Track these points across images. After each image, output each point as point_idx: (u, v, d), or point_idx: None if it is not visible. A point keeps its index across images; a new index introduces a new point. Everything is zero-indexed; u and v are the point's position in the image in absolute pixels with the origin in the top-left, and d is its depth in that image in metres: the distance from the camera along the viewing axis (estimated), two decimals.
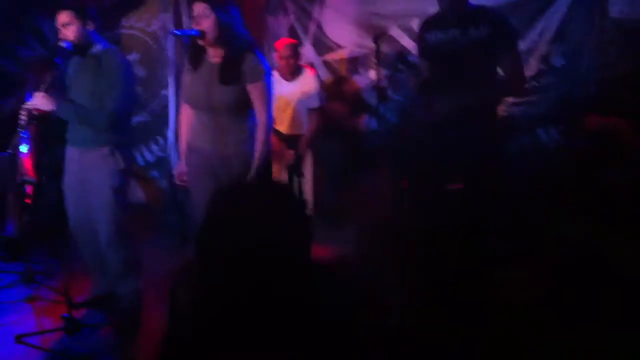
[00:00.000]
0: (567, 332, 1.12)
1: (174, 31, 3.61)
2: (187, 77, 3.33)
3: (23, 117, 3.26)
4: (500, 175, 3.53)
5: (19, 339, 3.38)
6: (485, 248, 3.24)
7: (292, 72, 4.95)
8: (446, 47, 3.42)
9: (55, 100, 3.26)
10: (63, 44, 3.29)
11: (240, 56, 3.15)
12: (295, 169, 3.76)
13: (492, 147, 3.47)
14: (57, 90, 3.23)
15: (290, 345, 1.35)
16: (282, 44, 4.97)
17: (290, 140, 4.92)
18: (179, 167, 3.54)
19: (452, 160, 3.35)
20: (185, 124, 3.49)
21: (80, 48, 3.37)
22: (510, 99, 5.04)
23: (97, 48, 3.42)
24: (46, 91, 3.23)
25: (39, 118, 3.28)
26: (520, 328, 1.17)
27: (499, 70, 3.46)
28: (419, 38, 3.64)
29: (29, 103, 3.27)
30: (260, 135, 3.25)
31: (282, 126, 5.08)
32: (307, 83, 4.98)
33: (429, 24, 3.59)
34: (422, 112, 3.57)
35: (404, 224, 3.38)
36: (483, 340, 1.18)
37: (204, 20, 3.09)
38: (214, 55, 3.22)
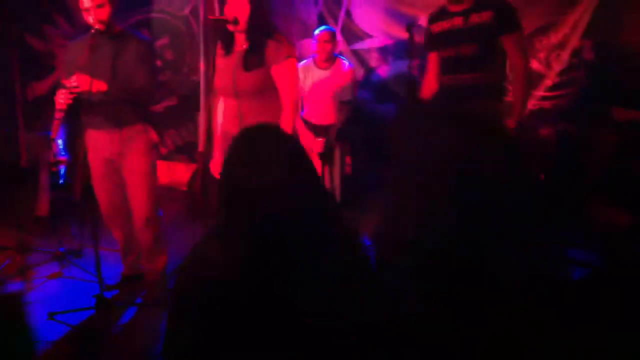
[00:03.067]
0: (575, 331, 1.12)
1: (208, 17, 3.62)
2: (217, 64, 3.34)
3: (62, 97, 3.27)
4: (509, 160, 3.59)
5: (51, 316, 3.46)
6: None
7: (327, 59, 4.96)
8: (450, 33, 3.55)
9: (99, 80, 3.30)
10: (99, 26, 3.31)
11: (265, 41, 3.17)
12: (325, 158, 3.77)
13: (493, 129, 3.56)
14: (91, 70, 3.25)
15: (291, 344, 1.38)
16: (321, 29, 4.99)
17: (320, 130, 4.94)
18: (215, 159, 3.49)
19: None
20: (218, 112, 3.51)
21: (107, 29, 3.41)
22: (541, 93, 5.03)
23: (117, 29, 3.49)
24: (82, 71, 3.27)
25: (77, 98, 3.31)
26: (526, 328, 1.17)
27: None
28: (427, 32, 3.76)
29: (68, 82, 3.29)
30: (287, 114, 3.21)
31: (314, 116, 5.10)
32: (340, 73, 4.99)
33: (434, 17, 3.71)
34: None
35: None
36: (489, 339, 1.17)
37: (238, 6, 3.11)
38: (242, 42, 3.24)
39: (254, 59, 3.17)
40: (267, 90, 3.24)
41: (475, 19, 3.46)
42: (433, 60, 3.78)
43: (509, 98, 3.76)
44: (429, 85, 3.79)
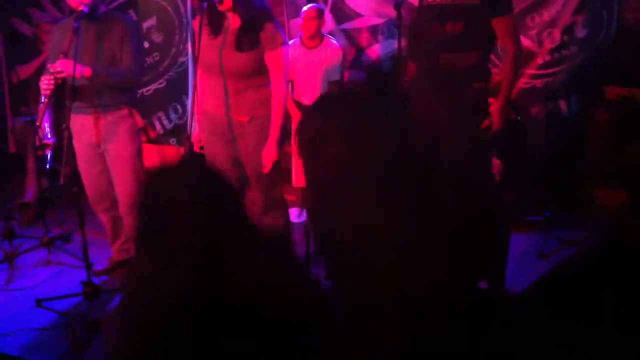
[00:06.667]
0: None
1: None
2: (203, 42, 3.27)
3: (46, 82, 3.23)
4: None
5: (39, 303, 3.44)
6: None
7: (314, 36, 4.91)
8: (438, 8, 3.42)
9: (84, 64, 3.25)
10: (82, 8, 3.26)
11: (259, 23, 3.13)
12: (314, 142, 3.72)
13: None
14: (76, 54, 3.20)
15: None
16: (308, 6, 4.93)
17: (311, 112, 4.89)
18: (195, 134, 3.45)
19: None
20: (200, 89, 3.45)
21: (92, 11, 3.35)
22: (532, 71, 4.99)
23: (101, 10, 3.44)
24: (66, 55, 3.22)
25: (61, 83, 3.27)
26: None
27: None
28: (419, 5, 3.62)
29: (52, 68, 3.24)
30: (276, 103, 3.22)
31: (304, 96, 5.06)
32: (328, 51, 4.94)
33: None
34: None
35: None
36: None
37: None
38: (233, 21, 3.19)
39: (248, 39, 3.13)
40: (258, 72, 3.20)
41: None
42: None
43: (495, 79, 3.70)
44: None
